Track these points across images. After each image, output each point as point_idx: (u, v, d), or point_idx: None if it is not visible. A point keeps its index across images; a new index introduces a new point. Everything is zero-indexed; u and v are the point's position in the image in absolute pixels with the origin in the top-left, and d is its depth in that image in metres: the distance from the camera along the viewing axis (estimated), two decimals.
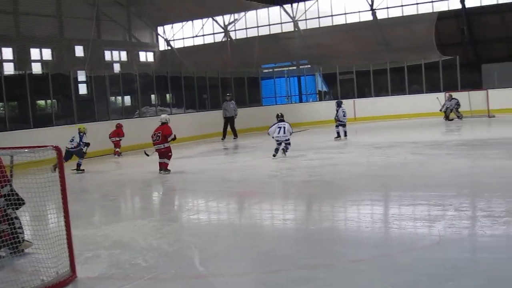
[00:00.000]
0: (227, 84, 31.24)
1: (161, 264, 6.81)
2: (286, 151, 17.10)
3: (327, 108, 31.33)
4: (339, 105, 22.20)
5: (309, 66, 38.53)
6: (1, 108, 24.24)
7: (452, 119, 27.52)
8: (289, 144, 17.27)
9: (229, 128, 26.02)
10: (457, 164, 13.68)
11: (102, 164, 18.96)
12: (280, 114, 18.07)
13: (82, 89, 29.86)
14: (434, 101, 29.07)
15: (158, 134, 15.35)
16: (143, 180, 15.09)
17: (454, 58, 31.89)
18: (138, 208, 11.98)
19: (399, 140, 19.95)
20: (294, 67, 39.36)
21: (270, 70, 38.02)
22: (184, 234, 8.50)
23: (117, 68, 34.31)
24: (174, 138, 15.47)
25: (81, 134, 17.20)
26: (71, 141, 16.90)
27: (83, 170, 16.97)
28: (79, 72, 27.03)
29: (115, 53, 36.13)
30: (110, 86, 24.76)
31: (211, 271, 6.46)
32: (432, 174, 12.35)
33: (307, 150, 18.72)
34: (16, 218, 7.37)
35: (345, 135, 21.81)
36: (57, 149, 6.44)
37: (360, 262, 6.44)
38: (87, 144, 17.37)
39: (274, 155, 17.00)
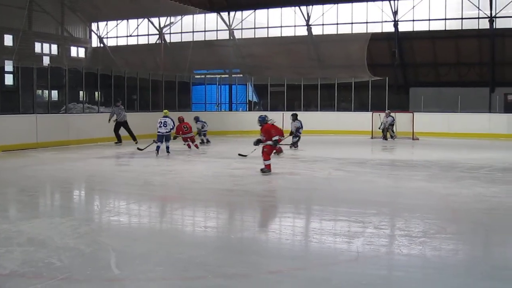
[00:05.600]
0: (157, 87, 30.98)
1: (76, 265, 6.63)
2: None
3: (256, 118, 31.49)
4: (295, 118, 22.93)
5: (241, 75, 38.67)
6: None
7: (391, 137, 27.91)
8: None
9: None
10: (379, 183, 13.91)
11: (20, 158, 18.44)
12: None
13: (8, 80, 29.12)
14: (361, 119, 29.69)
15: None
16: (62, 178, 14.76)
17: (384, 79, 32.60)
18: (56, 205, 11.67)
19: (324, 155, 20.16)
20: (226, 75, 39.44)
21: (202, 76, 37.92)
22: (103, 235, 8.31)
23: (46, 61, 33.58)
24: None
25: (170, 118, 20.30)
26: (164, 126, 19.86)
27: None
28: (6, 62, 26.36)
29: (46, 45, 35.40)
30: (37, 79, 24.12)
31: (127, 274, 6.33)
32: (355, 191, 12.54)
33: (232, 159, 18.71)
34: None
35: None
36: None
37: (278, 274, 6.44)
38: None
39: None
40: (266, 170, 14.69)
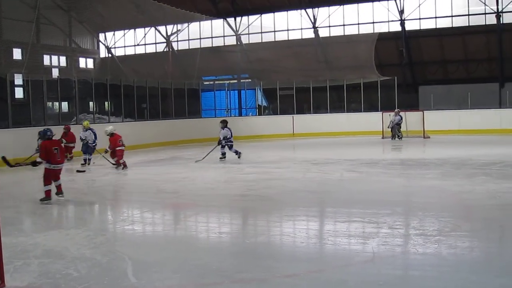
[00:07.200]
0: (167, 95, 31.08)
1: (93, 275, 6.67)
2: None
3: (267, 122, 31.62)
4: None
5: (249, 80, 38.68)
6: None
7: (398, 137, 27.76)
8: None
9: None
10: (392, 183, 13.92)
11: (32, 171, 18.49)
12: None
13: (19, 93, 29.25)
14: (371, 119, 29.72)
15: None
16: (75, 189, 14.82)
17: (392, 78, 32.57)
18: (71, 217, 11.73)
19: (336, 157, 20.17)
20: (235, 81, 39.48)
21: (211, 82, 37.99)
22: (118, 245, 8.36)
23: (55, 73, 33.74)
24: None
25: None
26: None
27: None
28: (16, 75, 26.49)
29: (54, 57, 35.56)
30: (47, 91, 24.26)
31: (144, 283, 6.37)
32: (368, 191, 12.53)
33: (244, 164, 18.74)
34: None
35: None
36: None
37: (294, 277, 6.46)
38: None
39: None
40: (46, 198, 12.14)
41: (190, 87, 32.92)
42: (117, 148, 18.31)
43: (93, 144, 19.14)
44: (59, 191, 12.36)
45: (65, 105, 31.59)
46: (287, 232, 9.14)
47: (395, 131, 28.07)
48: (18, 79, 27.57)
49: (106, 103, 30.95)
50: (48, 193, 12.18)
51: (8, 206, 10.76)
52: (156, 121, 28.98)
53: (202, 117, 33.27)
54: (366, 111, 32.67)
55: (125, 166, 18.27)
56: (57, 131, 21.40)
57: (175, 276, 6.59)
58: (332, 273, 6.59)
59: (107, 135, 18.72)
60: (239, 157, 19.99)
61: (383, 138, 28.62)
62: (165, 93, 31.14)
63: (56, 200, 12.79)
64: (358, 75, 33.68)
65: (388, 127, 28.42)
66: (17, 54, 29.95)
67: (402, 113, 28.34)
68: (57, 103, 28.69)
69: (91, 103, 30.18)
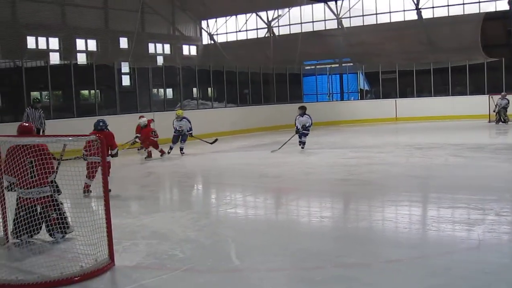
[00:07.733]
0: (268, 80, 31.29)
1: (197, 256, 6.86)
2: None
3: (369, 106, 31.23)
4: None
5: (351, 64, 38.27)
6: (46, 97, 24.64)
7: (503, 121, 26.71)
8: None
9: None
10: (499, 168, 13.47)
11: (139, 155, 19.08)
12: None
13: (125, 81, 30.18)
14: (477, 103, 28.78)
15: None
16: (180, 173, 15.23)
17: (500, 60, 31.35)
18: (176, 200, 12.08)
19: (440, 141, 19.69)
20: (337, 65, 39.11)
21: (312, 67, 37.86)
22: (222, 227, 8.54)
23: (160, 60, 34.54)
24: None
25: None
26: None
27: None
28: (122, 63, 27.37)
29: (159, 45, 36.37)
30: (152, 78, 24.95)
31: (247, 265, 6.49)
32: (473, 177, 12.20)
33: (346, 149, 18.62)
34: (61, 203, 7.55)
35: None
36: (99, 138, 6.56)
37: (397, 263, 6.41)
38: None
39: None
40: None
41: (291, 72, 33.00)
42: (150, 138, 17.92)
43: (190, 132, 18.86)
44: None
45: (169, 91, 32.34)
46: (389, 218, 9.06)
47: (501, 115, 27.07)
48: (125, 67, 28.45)
49: (209, 89, 31.44)
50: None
51: (115, 189, 11.13)
52: (258, 106, 29.23)
53: (304, 102, 33.26)
54: (472, 94, 31.69)
55: (149, 156, 17.99)
56: (161, 117, 21.95)
57: (277, 260, 6.67)
58: (435, 260, 6.47)
59: (141, 127, 18.42)
60: (302, 148, 19.02)
61: (489, 122, 27.68)
62: (267, 78, 31.35)
63: (161, 184, 13.18)
64: (463, 57, 32.67)
65: (493, 111, 27.45)
66: (123, 43, 30.86)
67: (509, 96, 27.27)
68: (162, 90, 29.43)
69: (194, 89, 30.78)
